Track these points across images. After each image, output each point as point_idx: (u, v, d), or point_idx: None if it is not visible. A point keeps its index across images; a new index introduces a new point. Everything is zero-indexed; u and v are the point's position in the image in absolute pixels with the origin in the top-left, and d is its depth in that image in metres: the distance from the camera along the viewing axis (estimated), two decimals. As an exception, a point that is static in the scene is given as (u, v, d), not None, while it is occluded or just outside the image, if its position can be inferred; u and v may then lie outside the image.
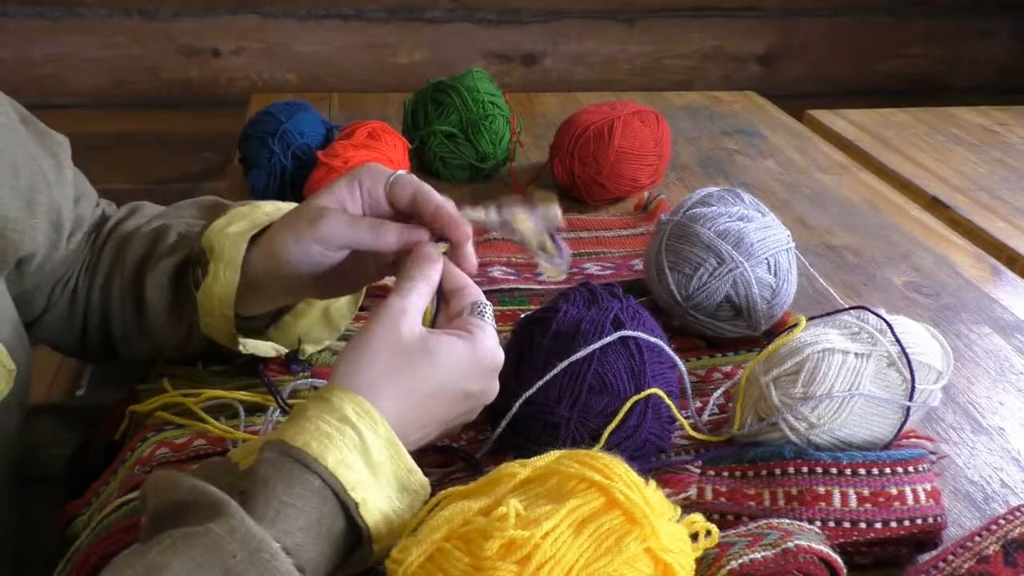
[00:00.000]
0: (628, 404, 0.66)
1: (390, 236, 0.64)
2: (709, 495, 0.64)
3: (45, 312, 0.77)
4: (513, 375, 0.68)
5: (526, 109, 1.53)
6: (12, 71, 1.93)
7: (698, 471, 0.66)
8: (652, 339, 0.69)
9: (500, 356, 0.61)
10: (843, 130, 1.57)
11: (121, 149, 2.02)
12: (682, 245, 0.83)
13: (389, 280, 0.69)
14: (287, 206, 0.73)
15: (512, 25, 2.06)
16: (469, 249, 0.65)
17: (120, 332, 0.78)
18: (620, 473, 0.51)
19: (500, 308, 0.92)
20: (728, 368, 0.83)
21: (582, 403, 0.66)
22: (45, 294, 0.76)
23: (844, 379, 0.66)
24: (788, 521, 0.59)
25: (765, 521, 0.58)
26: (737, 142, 1.44)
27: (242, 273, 0.68)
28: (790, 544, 0.55)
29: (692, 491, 0.65)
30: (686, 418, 0.70)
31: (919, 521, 0.61)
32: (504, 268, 0.99)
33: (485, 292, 0.66)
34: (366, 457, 0.54)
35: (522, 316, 0.75)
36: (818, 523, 0.60)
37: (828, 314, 0.73)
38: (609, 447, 0.64)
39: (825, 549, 0.56)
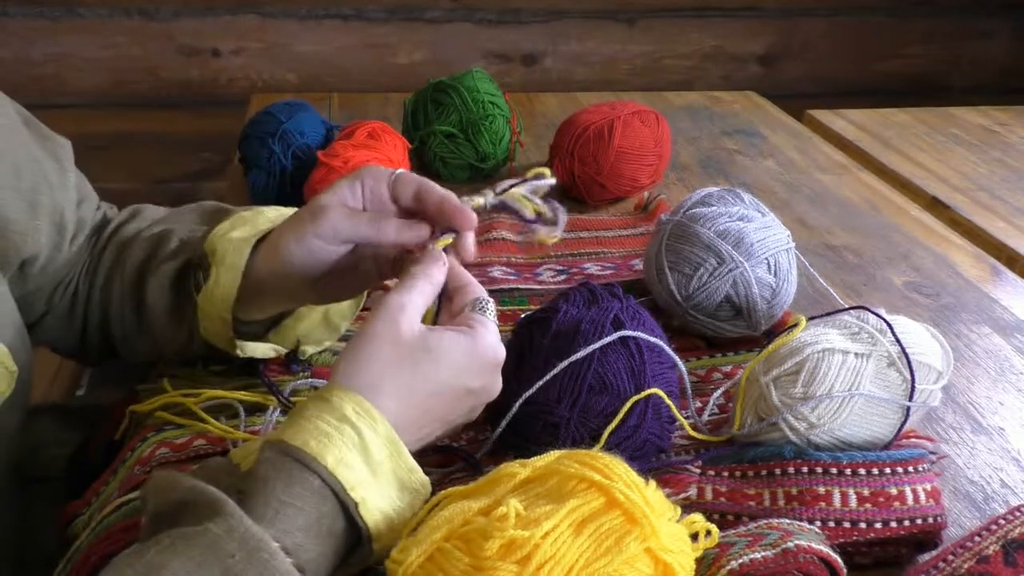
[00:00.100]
0: (628, 404, 0.66)
1: (390, 228, 0.64)
2: (709, 495, 0.64)
3: (46, 314, 0.77)
4: (513, 375, 0.68)
5: (526, 109, 1.53)
6: (12, 71, 1.93)
7: (698, 471, 0.66)
8: (652, 339, 0.69)
9: (501, 352, 0.61)
10: (843, 130, 1.57)
11: (121, 149, 2.02)
12: (682, 245, 0.83)
13: (391, 284, 0.69)
14: (289, 211, 0.73)
15: (512, 25, 2.06)
16: (470, 238, 0.65)
17: (120, 333, 0.78)
18: (620, 473, 0.51)
19: (500, 308, 0.91)
20: (728, 368, 0.83)
21: (582, 403, 0.66)
22: (46, 296, 0.77)
23: (844, 379, 0.66)
24: (788, 521, 0.59)
25: (765, 521, 0.58)
26: (737, 142, 1.44)
27: (245, 278, 0.68)
28: (790, 544, 0.55)
29: (692, 491, 0.65)
30: (686, 418, 0.70)
31: (919, 521, 0.61)
32: (504, 268, 0.99)
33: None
34: (365, 456, 0.54)
35: (522, 316, 0.75)
36: (818, 523, 0.60)
37: (828, 314, 0.73)
38: (609, 447, 0.64)
39: (825, 549, 0.56)
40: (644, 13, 2.09)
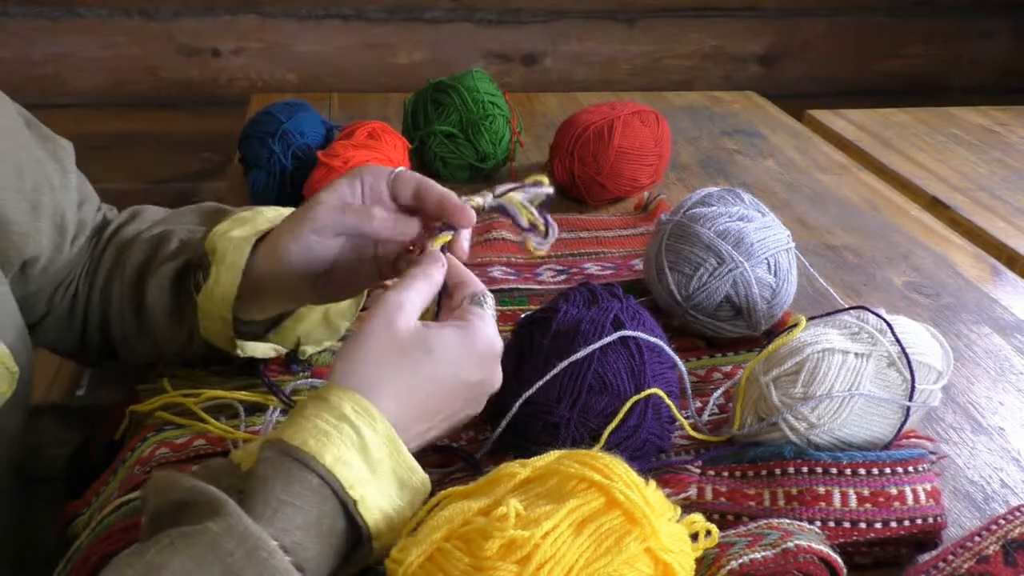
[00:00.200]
0: (628, 404, 0.66)
1: (377, 218, 0.64)
2: (709, 495, 0.64)
3: (46, 315, 0.78)
4: (513, 375, 0.68)
5: (526, 109, 1.53)
6: (12, 71, 1.93)
7: (698, 471, 0.66)
8: (652, 339, 0.69)
9: (499, 344, 0.61)
10: (843, 130, 1.57)
11: (121, 149, 2.02)
12: (682, 245, 0.83)
13: (391, 283, 0.69)
14: (288, 211, 0.73)
15: (512, 25, 2.06)
16: (467, 236, 0.66)
17: (120, 334, 0.78)
18: (620, 473, 0.51)
19: (500, 308, 0.91)
20: (728, 368, 0.83)
21: (582, 403, 0.66)
22: (47, 297, 0.77)
23: (844, 379, 0.66)
24: (788, 521, 0.59)
25: (765, 521, 0.58)
26: (737, 142, 1.44)
27: (245, 276, 0.68)
28: (790, 544, 0.55)
29: (692, 491, 0.65)
30: (686, 418, 0.70)
31: (919, 521, 0.61)
32: (504, 268, 0.99)
33: (485, 292, 0.66)
34: (364, 454, 0.54)
35: (522, 316, 0.75)
36: (818, 523, 0.60)
37: (828, 314, 0.73)
38: (609, 447, 0.64)
39: (825, 549, 0.56)
40: (644, 13, 2.09)
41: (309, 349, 0.79)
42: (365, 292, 0.78)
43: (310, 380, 0.77)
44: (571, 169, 1.14)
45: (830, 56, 2.19)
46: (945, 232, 1.16)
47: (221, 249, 0.69)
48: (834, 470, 0.62)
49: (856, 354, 0.67)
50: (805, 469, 0.63)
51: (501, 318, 0.89)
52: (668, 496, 0.57)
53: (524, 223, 0.67)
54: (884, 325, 0.69)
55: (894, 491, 0.61)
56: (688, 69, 2.16)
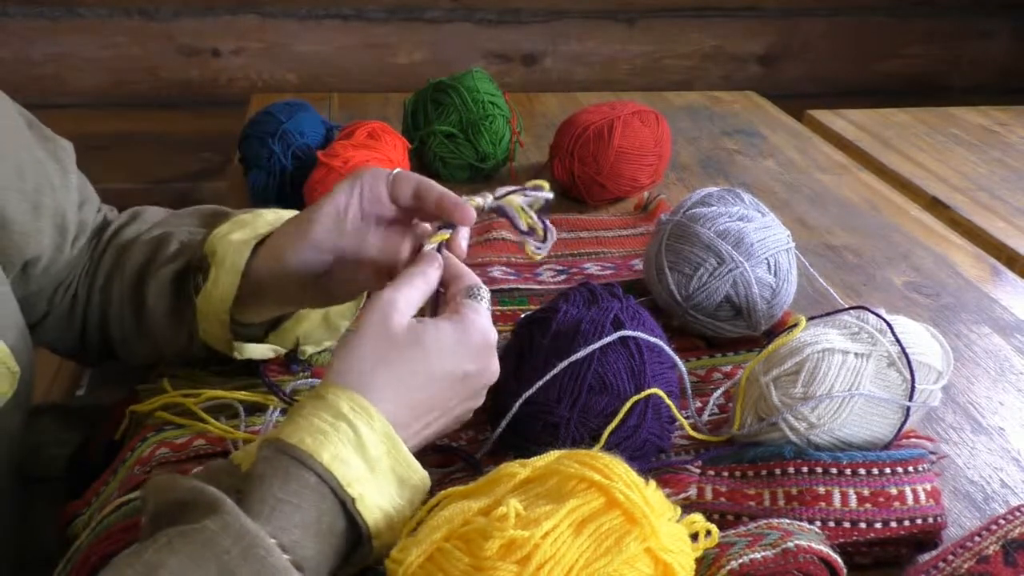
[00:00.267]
0: (628, 404, 0.66)
1: (372, 242, 0.66)
2: (709, 495, 0.64)
3: (47, 315, 0.78)
4: (513, 375, 0.68)
5: (526, 109, 1.53)
6: (12, 71, 1.93)
7: (698, 471, 0.66)
8: (652, 339, 0.69)
9: (492, 334, 0.61)
10: (843, 130, 1.57)
11: (121, 149, 2.02)
12: (682, 245, 0.83)
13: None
14: (288, 214, 0.74)
15: (512, 25, 2.06)
16: (465, 234, 0.66)
17: (119, 334, 0.78)
18: (620, 473, 0.51)
19: (500, 308, 0.92)
20: (728, 368, 0.83)
21: (582, 403, 0.66)
22: (47, 297, 0.77)
23: (844, 379, 0.66)
24: (788, 521, 0.59)
25: (765, 521, 0.58)
26: (737, 142, 1.44)
27: (244, 279, 0.69)
28: (790, 544, 0.55)
29: (692, 491, 0.65)
30: (686, 418, 0.70)
31: (919, 521, 0.61)
32: (504, 268, 0.99)
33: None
34: (362, 452, 0.54)
35: (522, 316, 0.75)
36: (818, 523, 0.60)
37: (828, 314, 0.73)
38: (609, 447, 0.64)
39: (825, 549, 0.56)
40: (644, 13, 2.09)
41: (309, 349, 0.79)
42: (365, 294, 0.78)
43: (310, 380, 0.77)
44: (571, 169, 1.14)
45: (830, 56, 2.19)
46: (945, 232, 1.16)
47: (220, 252, 0.69)
48: (834, 470, 0.62)
49: (856, 354, 0.67)
50: (805, 469, 0.63)
51: (501, 318, 0.89)
52: (668, 496, 0.57)
53: (523, 226, 0.68)
54: (884, 325, 0.69)
55: (894, 491, 0.61)
56: (688, 69, 2.16)
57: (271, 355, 0.76)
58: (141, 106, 2.01)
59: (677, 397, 0.71)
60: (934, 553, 0.59)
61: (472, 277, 0.64)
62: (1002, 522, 0.59)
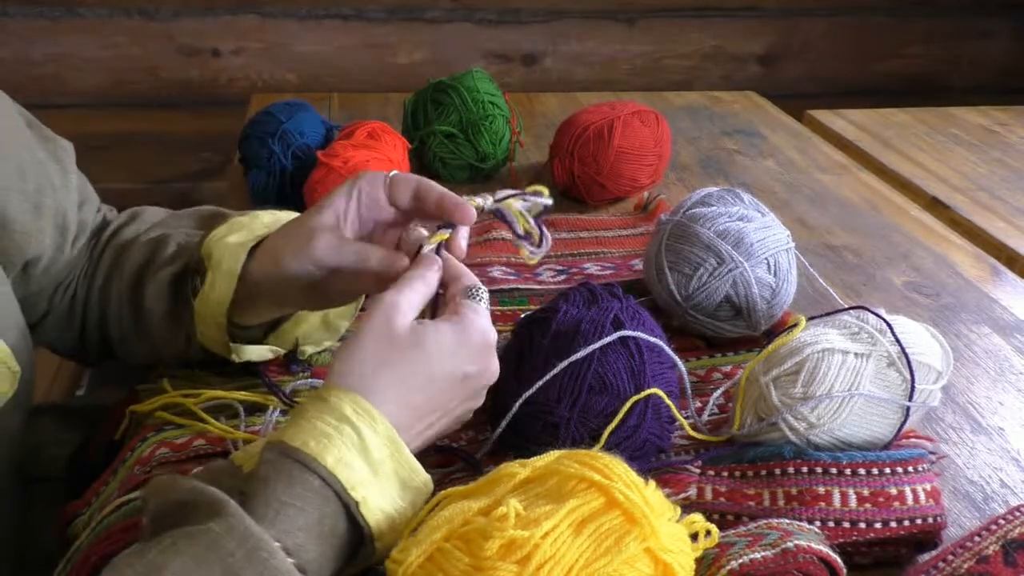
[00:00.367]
0: (628, 404, 0.66)
1: (374, 258, 0.65)
2: (709, 495, 0.64)
3: (47, 315, 0.78)
4: (513, 375, 0.68)
5: (526, 109, 1.53)
6: (12, 71, 1.93)
7: (698, 471, 0.66)
8: (652, 339, 0.69)
9: (493, 334, 0.61)
10: (843, 130, 1.57)
11: (121, 149, 2.02)
12: (682, 245, 0.83)
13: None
14: (286, 216, 0.74)
15: (512, 25, 2.06)
16: (464, 234, 0.66)
17: (118, 334, 0.78)
18: (620, 473, 0.51)
19: (500, 308, 0.92)
20: (728, 368, 0.83)
21: (582, 403, 0.66)
22: (47, 297, 0.77)
23: (844, 379, 0.66)
24: (788, 521, 0.59)
25: (765, 521, 0.58)
26: (737, 142, 1.44)
27: (241, 282, 0.69)
28: (790, 544, 0.55)
29: (692, 491, 0.65)
30: (686, 418, 0.70)
31: (919, 521, 0.61)
32: (504, 268, 0.99)
33: (485, 292, 0.66)
34: (365, 455, 0.54)
35: (522, 316, 0.75)
36: (818, 523, 0.60)
37: (828, 314, 0.73)
38: (609, 447, 0.64)
39: (825, 549, 0.56)
40: (644, 13, 2.09)
41: (308, 349, 0.79)
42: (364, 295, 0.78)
43: (310, 380, 0.77)
44: (571, 169, 1.14)
45: (830, 56, 2.18)
46: (945, 232, 1.16)
47: (217, 255, 0.69)
48: (834, 470, 0.62)
49: (856, 354, 0.67)
50: (805, 469, 0.63)
51: (501, 318, 0.89)
52: (668, 496, 0.57)
53: (520, 230, 0.68)
54: (884, 325, 0.69)
55: (894, 491, 0.61)
56: (688, 69, 2.16)
57: (269, 356, 0.76)
58: (141, 106, 2.01)
59: (677, 397, 0.71)
60: (934, 553, 0.59)
61: (471, 278, 0.64)
62: (1002, 522, 0.59)
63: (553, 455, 0.54)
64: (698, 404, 0.76)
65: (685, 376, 0.72)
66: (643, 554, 0.49)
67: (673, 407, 0.69)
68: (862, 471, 0.62)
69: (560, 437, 0.66)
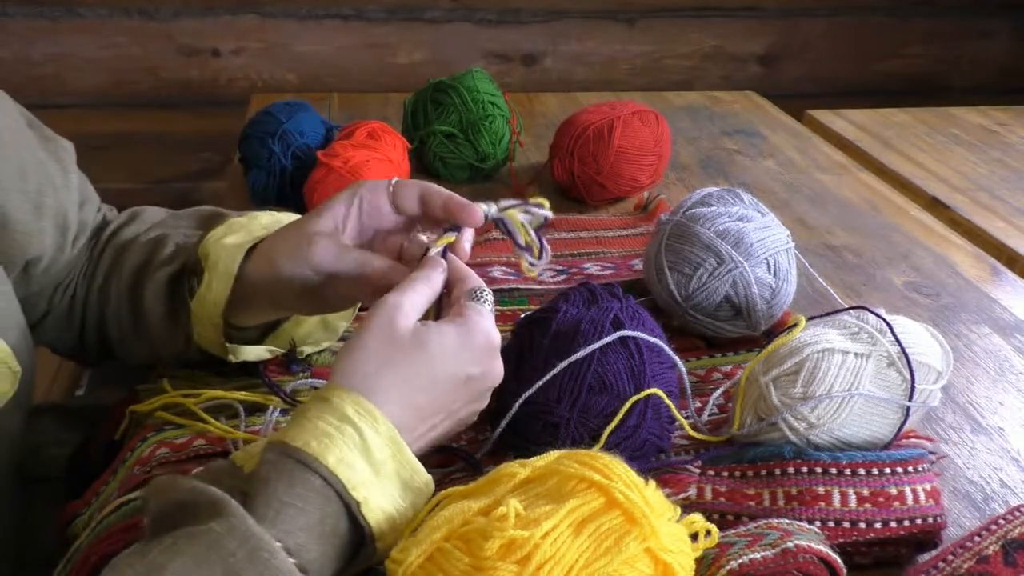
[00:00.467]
0: (628, 404, 0.66)
1: (376, 269, 0.65)
2: (709, 495, 0.64)
3: (47, 314, 0.78)
4: (513, 375, 0.68)
5: (526, 109, 1.53)
6: (12, 71, 1.93)
7: (698, 471, 0.66)
8: (652, 339, 0.69)
9: (497, 337, 0.61)
10: (843, 130, 1.57)
11: (121, 149, 2.02)
12: (682, 245, 0.83)
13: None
14: (285, 217, 0.73)
15: (512, 25, 2.06)
16: (469, 236, 0.66)
17: (117, 334, 0.78)
18: (620, 473, 0.51)
19: (500, 308, 0.92)
20: (728, 368, 0.83)
21: (582, 403, 0.66)
22: (47, 297, 0.77)
23: (844, 379, 0.66)
24: (788, 521, 0.59)
25: (765, 521, 0.58)
26: (737, 142, 1.44)
27: (238, 283, 0.69)
28: (790, 544, 0.55)
29: (692, 491, 0.65)
30: (686, 418, 0.70)
31: (919, 521, 0.61)
32: (504, 268, 0.99)
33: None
34: (367, 456, 0.54)
35: (522, 316, 0.75)
36: (818, 523, 0.60)
37: (828, 314, 0.73)
38: (609, 447, 0.64)
39: (825, 549, 0.56)
40: (644, 13, 2.09)
41: (307, 349, 0.79)
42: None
43: (310, 380, 0.77)
44: (571, 169, 1.14)
45: (830, 56, 2.18)
46: (945, 232, 1.16)
47: (214, 256, 0.69)
48: (834, 470, 0.62)
49: (856, 354, 0.67)
50: (805, 469, 0.63)
51: (501, 318, 0.89)
52: (668, 496, 0.57)
53: (521, 241, 0.68)
54: (884, 325, 0.69)
55: (894, 491, 0.61)
56: (688, 69, 2.16)
57: (267, 356, 0.76)
58: (141, 106, 2.01)
59: (677, 397, 0.71)
60: (934, 553, 0.59)
61: (475, 279, 0.64)
62: (1002, 522, 0.59)
63: (553, 455, 0.54)
64: (698, 404, 0.76)
65: (685, 376, 0.72)
66: (643, 554, 0.49)
67: (673, 407, 0.69)
68: (862, 471, 0.62)
69: (560, 437, 0.66)
